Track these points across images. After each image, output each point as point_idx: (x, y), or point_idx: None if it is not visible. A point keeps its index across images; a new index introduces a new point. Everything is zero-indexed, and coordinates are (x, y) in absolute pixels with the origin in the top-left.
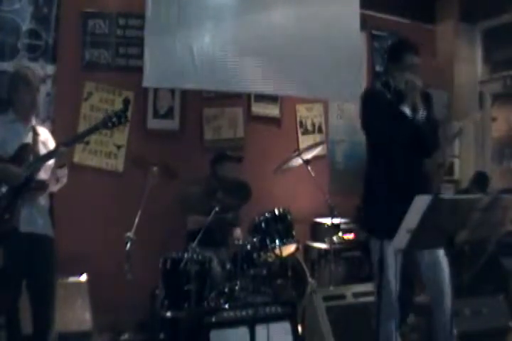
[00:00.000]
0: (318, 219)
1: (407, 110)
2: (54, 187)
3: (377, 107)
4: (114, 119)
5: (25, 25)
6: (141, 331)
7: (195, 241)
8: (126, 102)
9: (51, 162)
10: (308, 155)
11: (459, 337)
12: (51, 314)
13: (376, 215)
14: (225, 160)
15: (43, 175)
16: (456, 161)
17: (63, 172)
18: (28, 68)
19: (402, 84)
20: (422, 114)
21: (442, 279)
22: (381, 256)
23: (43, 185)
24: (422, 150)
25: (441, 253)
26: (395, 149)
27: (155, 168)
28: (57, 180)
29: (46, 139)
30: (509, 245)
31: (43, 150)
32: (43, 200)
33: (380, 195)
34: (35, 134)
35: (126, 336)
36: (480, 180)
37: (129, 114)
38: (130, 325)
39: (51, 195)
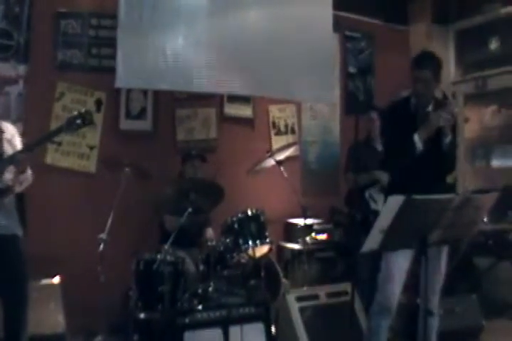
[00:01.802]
0: (291, 220)
1: (418, 142)
2: (18, 189)
3: (391, 127)
4: (79, 121)
5: None
6: (115, 333)
7: (168, 242)
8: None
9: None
10: (280, 156)
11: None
12: (23, 317)
13: None
14: (189, 159)
15: (8, 178)
16: None
17: (25, 177)
18: None
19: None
20: (448, 139)
21: (439, 284)
22: (393, 261)
23: (7, 189)
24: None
25: (444, 256)
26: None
27: (127, 169)
28: (21, 184)
29: (12, 136)
30: (482, 245)
31: (8, 149)
32: (6, 199)
33: None
34: (0, 132)
35: (99, 338)
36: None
37: (101, 115)
38: (104, 326)
39: (22, 195)
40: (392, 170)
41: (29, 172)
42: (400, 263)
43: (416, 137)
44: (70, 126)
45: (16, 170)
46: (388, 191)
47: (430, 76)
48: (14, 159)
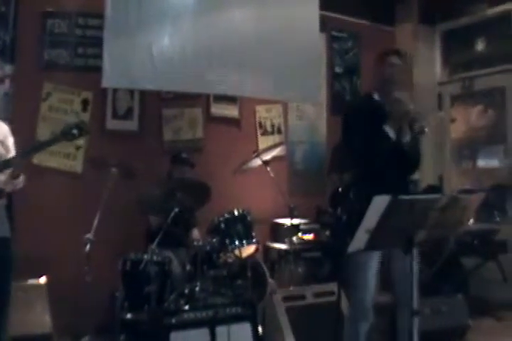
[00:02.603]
0: (278, 220)
1: (390, 131)
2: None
3: (359, 125)
4: (75, 131)
5: None
6: (102, 333)
7: (155, 243)
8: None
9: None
10: (267, 156)
11: (419, 336)
12: (4, 320)
13: None
14: (178, 164)
15: (1, 180)
16: None
17: (18, 181)
18: None
19: (388, 102)
20: (408, 138)
21: (413, 284)
22: (364, 262)
23: (0, 193)
24: (402, 169)
25: (415, 256)
26: (374, 165)
27: (114, 169)
28: (14, 187)
29: (5, 137)
30: (468, 245)
31: (1, 151)
32: (2, 202)
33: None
34: None
35: (86, 338)
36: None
37: (87, 115)
38: (90, 327)
39: (9, 195)
40: (370, 166)
41: (22, 177)
42: (369, 267)
43: (387, 127)
44: (65, 135)
45: (11, 175)
46: (353, 191)
47: (403, 62)
48: (9, 164)
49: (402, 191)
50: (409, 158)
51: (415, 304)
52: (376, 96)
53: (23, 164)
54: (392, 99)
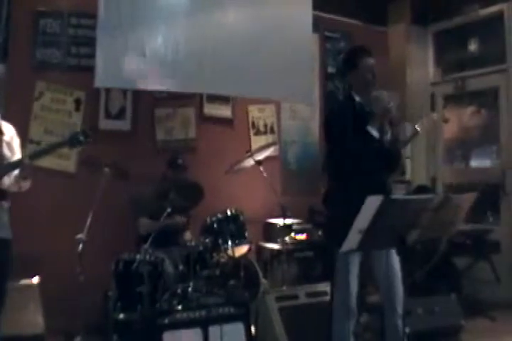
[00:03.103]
0: (271, 220)
1: (373, 131)
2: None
3: (343, 125)
4: (81, 138)
5: None
6: (94, 333)
7: (148, 243)
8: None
9: (15, 172)
10: (260, 156)
11: (412, 336)
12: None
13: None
14: (174, 168)
15: (6, 183)
16: (408, 162)
17: (26, 184)
18: None
19: (367, 101)
20: (388, 136)
21: (395, 283)
22: (346, 263)
23: (4, 195)
24: (386, 168)
25: (394, 255)
26: (362, 165)
27: (107, 169)
28: (19, 189)
29: (11, 138)
30: (461, 245)
31: (7, 153)
32: (5, 204)
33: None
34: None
35: (78, 338)
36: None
37: (80, 114)
38: (83, 327)
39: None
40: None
41: (29, 183)
42: (351, 268)
43: (369, 127)
44: (72, 141)
45: (18, 176)
46: (332, 194)
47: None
48: (17, 165)
49: (386, 191)
50: (391, 156)
51: (399, 304)
52: (357, 98)
53: (31, 166)
54: (371, 98)
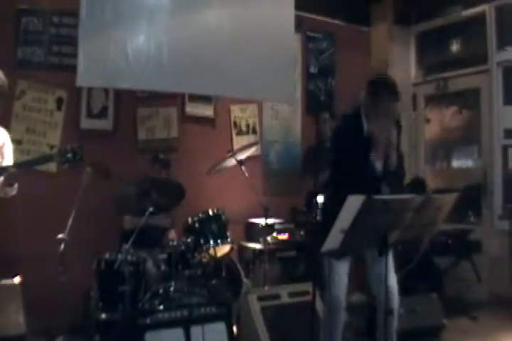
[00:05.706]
0: (253, 220)
1: (377, 163)
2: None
3: (347, 150)
4: (69, 155)
5: None
6: (76, 333)
7: (129, 242)
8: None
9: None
10: (242, 156)
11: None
12: None
13: None
14: (157, 162)
15: None
16: None
17: (11, 190)
18: None
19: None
20: (394, 165)
21: (393, 283)
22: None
23: None
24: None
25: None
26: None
27: (89, 168)
28: (5, 195)
29: (3, 144)
30: (442, 244)
31: None
32: None
33: None
34: None
35: (60, 338)
36: (417, 184)
37: (61, 113)
38: (65, 327)
39: None
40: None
41: (15, 189)
42: (339, 268)
43: (373, 155)
44: (60, 157)
45: (4, 183)
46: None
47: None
48: (4, 171)
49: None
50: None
51: (390, 303)
52: (363, 119)
53: (17, 174)
54: (374, 129)
